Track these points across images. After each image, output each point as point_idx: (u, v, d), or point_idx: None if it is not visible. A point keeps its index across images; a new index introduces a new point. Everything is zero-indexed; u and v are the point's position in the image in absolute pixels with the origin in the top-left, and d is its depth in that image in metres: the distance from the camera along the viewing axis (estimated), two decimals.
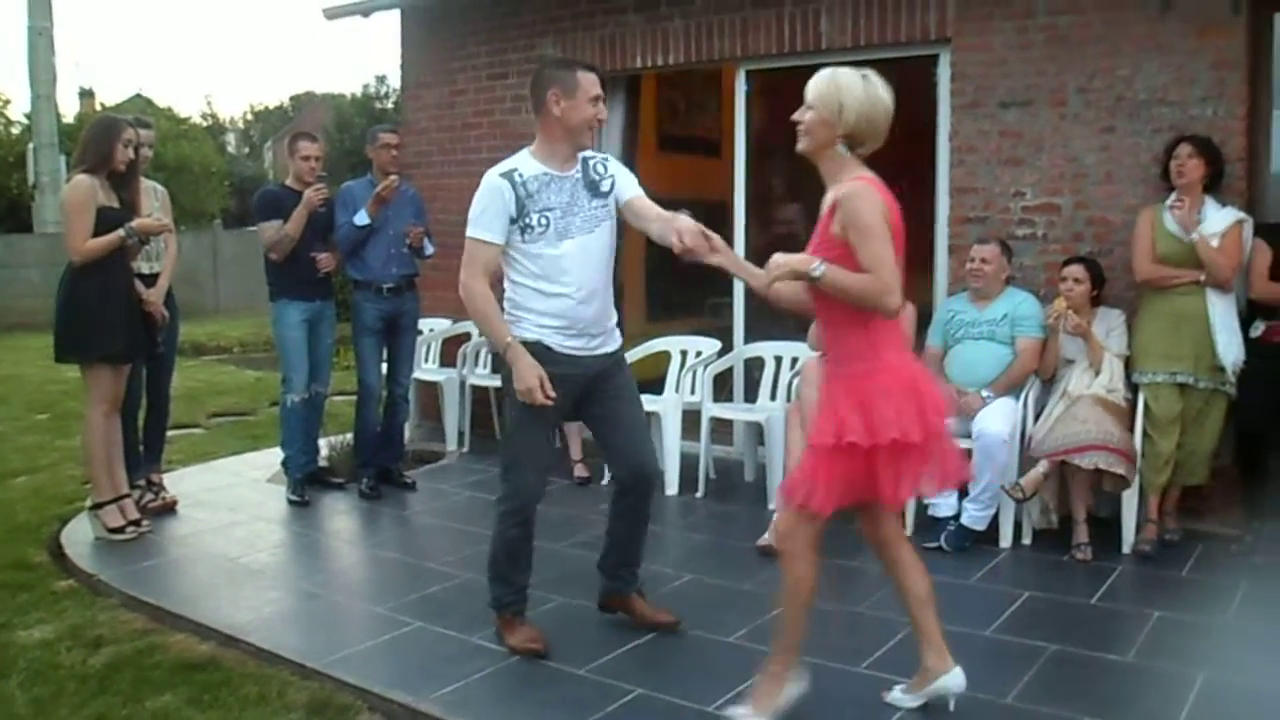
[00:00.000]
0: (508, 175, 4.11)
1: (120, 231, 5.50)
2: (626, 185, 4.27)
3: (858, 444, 3.39)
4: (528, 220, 4.07)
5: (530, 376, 3.98)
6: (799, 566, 3.59)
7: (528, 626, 4.35)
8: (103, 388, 5.68)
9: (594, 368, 4.23)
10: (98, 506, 5.80)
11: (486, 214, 4.11)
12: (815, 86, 3.49)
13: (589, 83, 4.09)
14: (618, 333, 4.38)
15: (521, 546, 4.35)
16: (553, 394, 3.99)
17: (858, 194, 3.39)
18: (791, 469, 4.93)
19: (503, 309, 4.21)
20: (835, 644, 4.19)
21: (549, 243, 4.08)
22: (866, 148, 3.49)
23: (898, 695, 3.78)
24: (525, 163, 4.16)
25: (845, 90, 3.43)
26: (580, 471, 7.00)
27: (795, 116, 3.53)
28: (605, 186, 4.21)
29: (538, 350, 4.08)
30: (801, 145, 3.54)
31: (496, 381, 7.80)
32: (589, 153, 4.27)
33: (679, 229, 3.79)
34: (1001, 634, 4.46)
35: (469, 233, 4.14)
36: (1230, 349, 5.34)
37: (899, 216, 3.48)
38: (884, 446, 3.41)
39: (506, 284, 4.23)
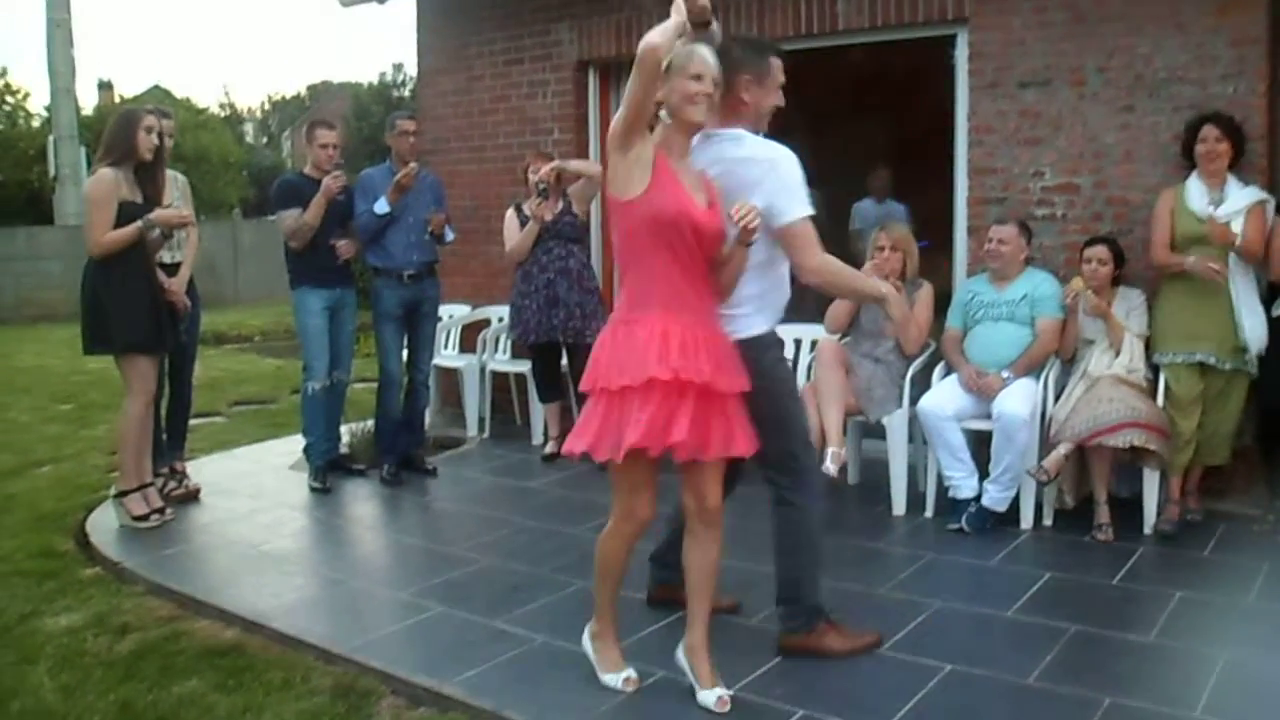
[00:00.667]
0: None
1: (138, 223, 5.52)
2: None
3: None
4: None
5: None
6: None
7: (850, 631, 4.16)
8: (142, 378, 5.71)
9: None
10: (122, 494, 5.85)
11: (804, 186, 3.78)
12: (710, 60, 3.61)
13: (778, 69, 3.90)
14: None
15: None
16: None
17: None
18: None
19: (742, 302, 3.84)
20: (855, 626, 4.19)
21: None
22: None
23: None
24: None
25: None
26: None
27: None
28: None
29: (775, 341, 4.00)
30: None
31: (516, 367, 7.89)
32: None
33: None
34: (1023, 615, 4.45)
35: (801, 214, 3.73)
36: (1255, 330, 5.32)
37: None
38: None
39: (752, 279, 3.80)
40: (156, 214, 5.61)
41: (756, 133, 3.89)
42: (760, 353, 3.86)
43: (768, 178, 3.73)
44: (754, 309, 3.86)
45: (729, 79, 3.76)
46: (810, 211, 3.74)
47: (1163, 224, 5.50)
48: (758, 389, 3.76)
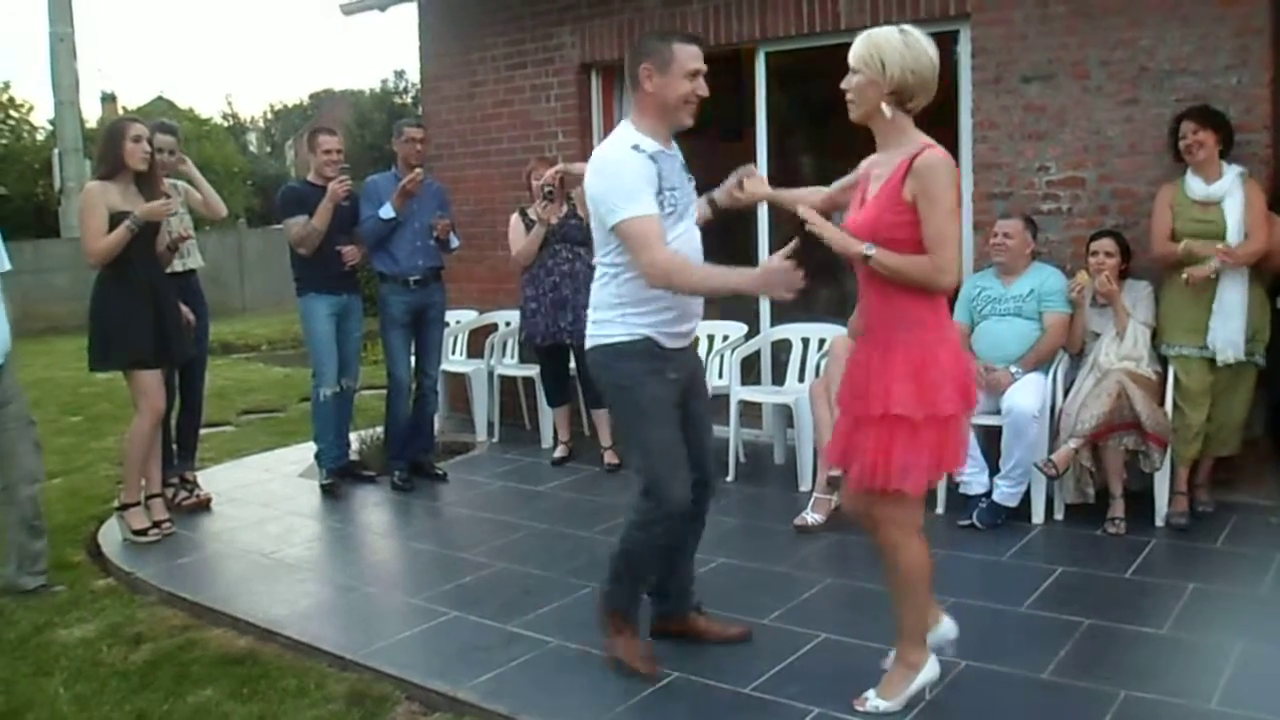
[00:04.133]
0: (638, 150, 3.69)
1: (126, 224, 5.51)
2: None
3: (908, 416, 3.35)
4: (661, 199, 3.68)
5: (771, 270, 3.54)
6: (908, 551, 3.56)
7: (644, 643, 4.07)
8: (147, 394, 5.71)
9: (691, 361, 4.01)
10: (124, 508, 5.86)
11: (640, 187, 3.63)
12: (855, 50, 3.41)
13: (686, 56, 3.71)
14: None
15: (667, 552, 3.97)
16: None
17: (938, 165, 3.33)
18: (825, 446, 4.94)
19: (601, 306, 3.87)
20: (872, 623, 4.19)
21: (675, 223, 3.73)
22: (916, 103, 3.39)
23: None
24: (643, 139, 3.74)
25: (884, 47, 3.35)
26: (610, 458, 7.01)
27: (843, 85, 3.45)
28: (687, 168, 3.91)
29: (649, 349, 3.78)
30: (853, 114, 3.47)
31: (524, 371, 7.90)
32: None
33: (739, 173, 3.90)
34: (1036, 609, 4.45)
35: (628, 214, 3.60)
36: (1230, 334, 5.31)
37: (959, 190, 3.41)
38: (934, 420, 3.38)
39: (610, 281, 3.81)
40: (140, 209, 5.55)
41: (673, 128, 3.82)
42: (612, 362, 3.85)
43: (593, 181, 3.76)
44: (615, 315, 3.81)
45: (632, 71, 3.78)
46: (641, 212, 3.60)
47: (1161, 218, 5.50)
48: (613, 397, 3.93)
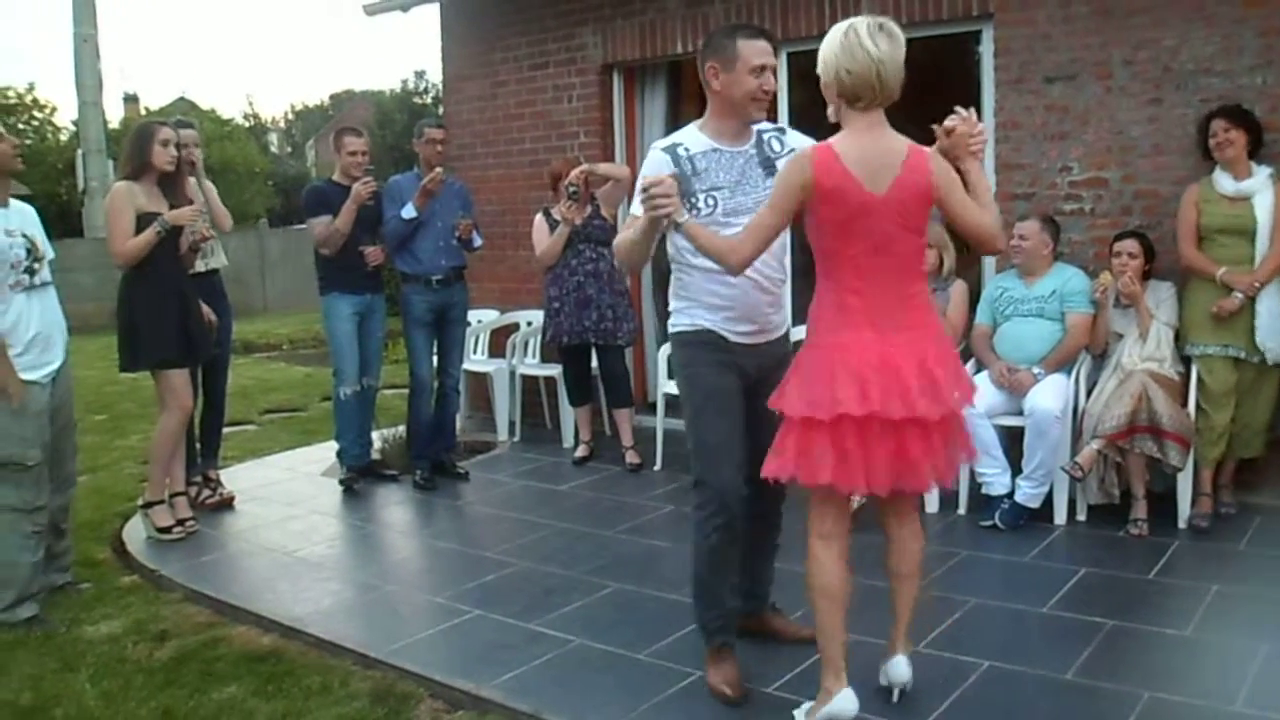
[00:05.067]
0: (671, 150, 3.73)
1: (154, 226, 5.55)
2: None
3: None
4: (693, 200, 3.66)
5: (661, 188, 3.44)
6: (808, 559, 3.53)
7: (732, 667, 3.84)
8: (176, 393, 5.75)
9: (767, 356, 3.83)
10: (148, 505, 5.90)
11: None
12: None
13: (751, 52, 3.66)
14: (788, 320, 4.04)
15: (728, 557, 3.82)
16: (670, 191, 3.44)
17: (789, 159, 3.41)
18: None
19: (672, 296, 3.90)
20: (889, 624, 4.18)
21: (715, 224, 3.64)
22: (865, 101, 3.30)
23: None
24: (692, 137, 3.76)
25: (824, 47, 3.34)
26: (631, 458, 7.03)
27: None
28: (781, 164, 3.70)
29: (710, 339, 3.76)
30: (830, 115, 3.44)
31: (546, 371, 7.92)
32: (765, 125, 3.87)
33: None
34: (1059, 610, 4.44)
35: (633, 210, 3.68)
36: (1273, 334, 5.31)
37: (850, 183, 3.25)
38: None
39: (674, 269, 3.87)
40: (169, 214, 5.61)
41: (747, 123, 3.78)
42: (676, 351, 3.90)
43: None
44: (681, 305, 3.86)
45: (700, 70, 3.75)
46: (636, 211, 3.61)
47: (1188, 221, 5.49)
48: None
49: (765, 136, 3.82)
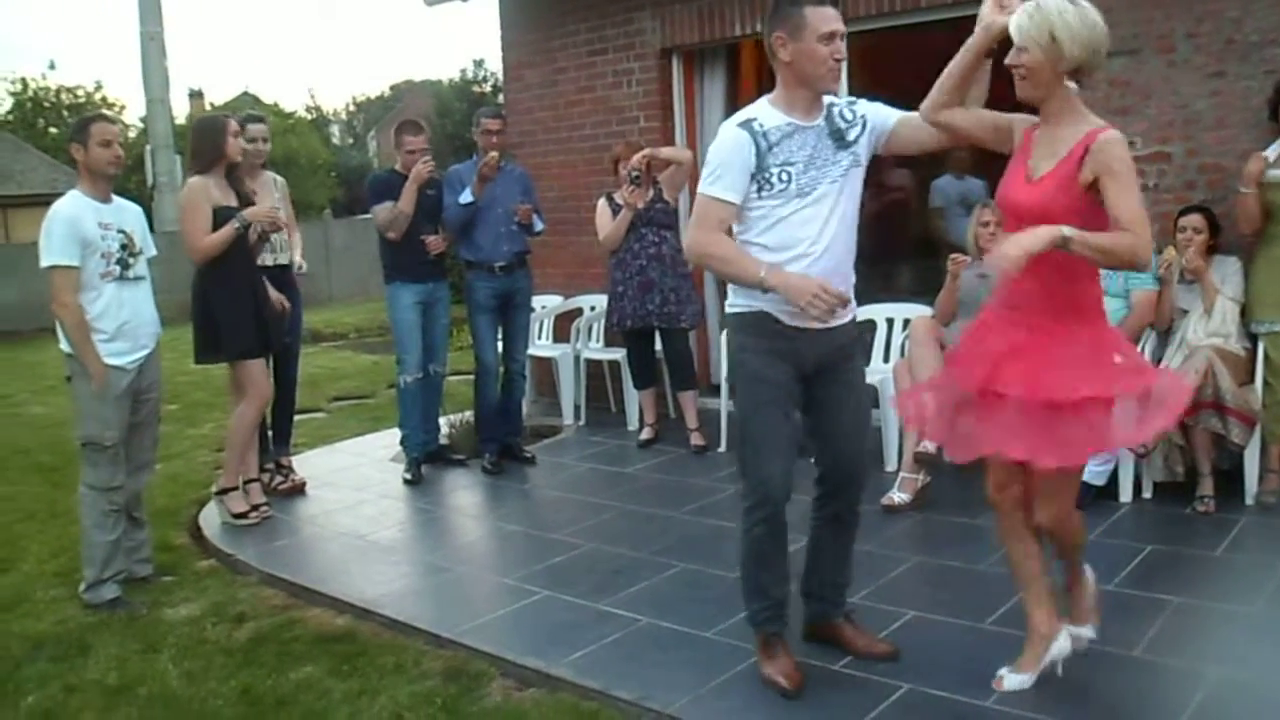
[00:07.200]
0: (746, 125, 3.56)
1: (233, 223, 5.66)
2: (882, 117, 3.70)
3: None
4: (767, 175, 3.53)
5: (810, 285, 3.40)
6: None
7: (785, 656, 3.78)
8: (255, 383, 5.88)
9: (828, 344, 3.68)
10: (223, 492, 6.02)
11: (727, 169, 3.55)
12: (1022, 25, 3.18)
13: (819, 19, 3.48)
14: (854, 304, 3.78)
15: (772, 550, 3.74)
16: (835, 292, 3.41)
17: (1119, 142, 3.20)
18: (907, 424, 4.92)
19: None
20: (959, 601, 4.19)
21: (788, 200, 3.54)
22: (1094, 78, 3.23)
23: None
24: (765, 112, 3.60)
25: (1057, 23, 3.13)
26: (696, 440, 7.06)
27: (1009, 61, 3.25)
28: (852, 135, 3.63)
29: (767, 323, 3.62)
30: (1023, 93, 3.28)
31: (610, 355, 7.96)
32: (833, 99, 3.71)
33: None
34: (1126, 588, 4.41)
35: (703, 190, 3.57)
36: None
37: None
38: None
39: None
40: (248, 211, 5.72)
41: (819, 95, 3.62)
42: (731, 333, 3.84)
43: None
44: (734, 286, 3.78)
45: (768, 43, 3.59)
46: (709, 192, 3.55)
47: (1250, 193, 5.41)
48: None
49: (835, 110, 3.67)
